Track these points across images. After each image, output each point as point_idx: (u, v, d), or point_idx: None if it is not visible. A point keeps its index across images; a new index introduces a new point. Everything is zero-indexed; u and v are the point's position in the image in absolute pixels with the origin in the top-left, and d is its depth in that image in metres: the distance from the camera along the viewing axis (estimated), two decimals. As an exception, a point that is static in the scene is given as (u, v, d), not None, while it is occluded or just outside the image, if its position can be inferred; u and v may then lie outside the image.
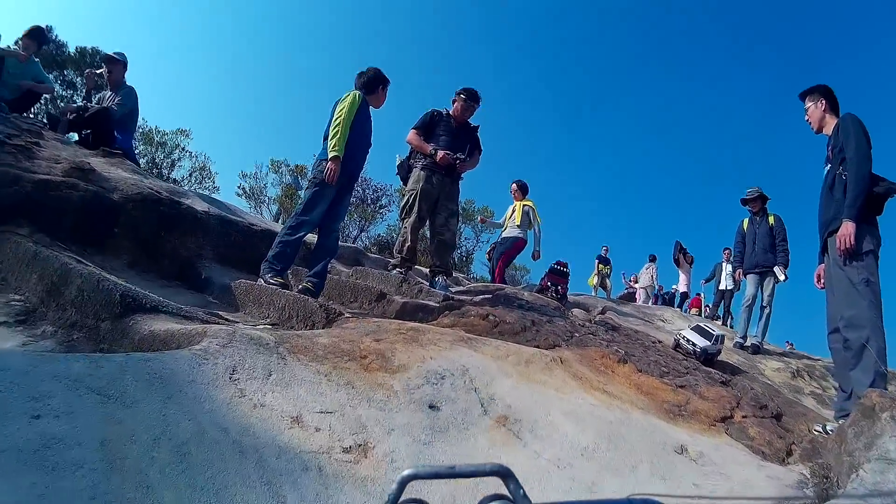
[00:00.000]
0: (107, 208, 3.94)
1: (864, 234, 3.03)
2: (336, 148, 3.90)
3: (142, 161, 13.16)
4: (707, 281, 11.78)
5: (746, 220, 6.32)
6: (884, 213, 3.17)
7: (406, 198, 5.03)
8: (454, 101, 5.12)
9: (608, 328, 4.87)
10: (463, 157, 4.94)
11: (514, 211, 7.47)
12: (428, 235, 5.48)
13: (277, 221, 10.90)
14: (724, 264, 10.50)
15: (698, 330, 4.82)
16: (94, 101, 6.08)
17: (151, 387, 1.63)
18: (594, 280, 12.60)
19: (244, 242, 4.89)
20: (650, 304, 11.32)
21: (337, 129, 3.93)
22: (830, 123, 3.35)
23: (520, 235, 7.30)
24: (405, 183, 5.21)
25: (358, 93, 4.15)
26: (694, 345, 4.61)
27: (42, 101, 10.77)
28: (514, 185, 7.65)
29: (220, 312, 3.30)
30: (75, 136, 5.67)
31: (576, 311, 5.56)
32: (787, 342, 10.41)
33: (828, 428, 3.08)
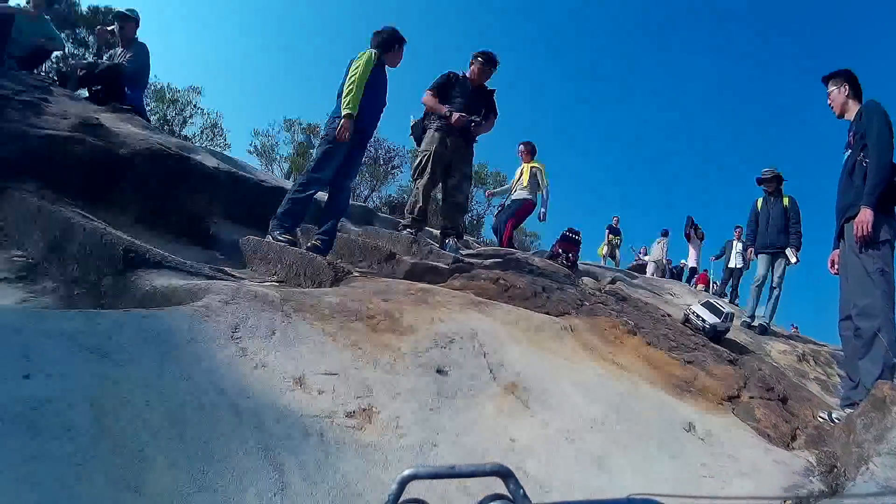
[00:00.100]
0: (114, 163, 3.91)
1: (882, 223, 2.97)
2: (349, 105, 3.83)
3: (153, 118, 13.14)
4: (717, 258, 11.64)
5: (761, 200, 6.22)
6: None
7: (419, 158, 4.97)
8: (471, 64, 5.01)
9: (618, 298, 4.80)
10: (478, 119, 4.87)
11: (521, 173, 7.32)
12: (440, 197, 5.42)
13: (289, 179, 10.81)
14: (734, 242, 10.33)
15: (708, 306, 4.75)
16: (105, 59, 6.04)
17: (148, 345, 1.57)
18: (604, 250, 12.51)
19: (254, 199, 4.85)
20: (657, 277, 11.23)
21: (351, 86, 3.86)
22: (853, 109, 3.29)
23: (528, 197, 7.16)
24: (419, 144, 5.13)
25: (374, 51, 4.06)
26: (703, 321, 4.54)
27: (53, 60, 10.66)
28: (522, 146, 7.47)
29: (226, 269, 3.26)
30: (86, 93, 5.64)
31: (586, 279, 5.50)
32: (793, 325, 10.36)
33: (833, 416, 3.04)
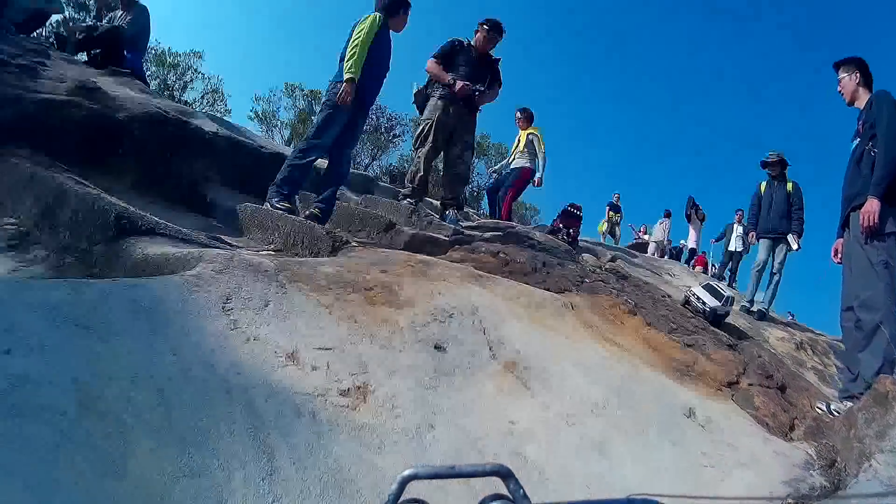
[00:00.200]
0: (111, 128, 3.85)
1: (889, 215, 2.94)
2: (352, 69, 3.73)
3: (153, 83, 12.96)
4: (717, 240, 11.61)
5: (764, 184, 6.15)
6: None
7: (421, 127, 4.87)
8: (476, 32, 4.91)
9: (618, 277, 4.74)
10: (482, 88, 4.78)
11: (519, 140, 7.20)
12: (441, 167, 5.34)
13: (289, 146, 10.65)
14: (735, 225, 10.30)
15: (709, 289, 4.70)
16: (104, 22, 5.90)
17: (136, 317, 1.48)
18: (603, 227, 12.43)
19: (253, 165, 4.78)
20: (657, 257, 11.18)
21: (354, 50, 3.75)
22: (863, 98, 3.26)
23: (526, 165, 7.03)
24: (421, 112, 5.04)
25: (378, 15, 3.93)
26: (704, 303, 4.50)
27: (52, 24, 10.42)
28: (519, 112, 7.31)
29: (222, 237, 3.20)
30: (84, 57, 5.54)
31: (586, 255, 5.42)
32: (789, 312, 10.35)
33: (832, 407, 3.03)
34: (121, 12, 5.81)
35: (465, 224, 5.22)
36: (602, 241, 10.35)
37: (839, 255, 3.29)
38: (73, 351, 1.27)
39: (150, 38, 6.55)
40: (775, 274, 5.94)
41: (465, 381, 1.94)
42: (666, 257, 11.07)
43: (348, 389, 1.60)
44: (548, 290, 3.39)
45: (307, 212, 3.81)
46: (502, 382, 2.01)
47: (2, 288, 1.45)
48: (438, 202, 5.49)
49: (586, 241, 6.92)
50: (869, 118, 3.12)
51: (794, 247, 5.79)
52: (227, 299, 1.75)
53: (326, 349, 1.73)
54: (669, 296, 4.86)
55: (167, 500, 1.04)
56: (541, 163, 7.03)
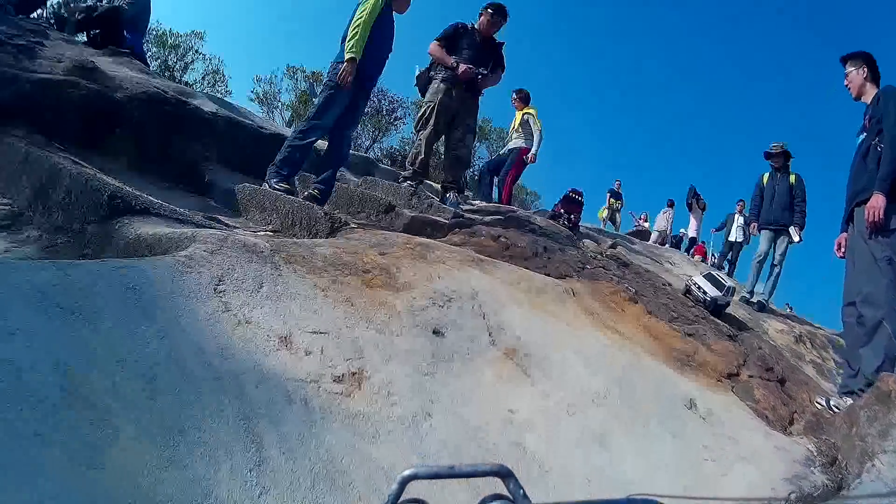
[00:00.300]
0: (109, 108, 3.85)
1: (893, 211, 2.93)
2: (353, 49, 3.66)
3: (154, 64, 12.85)
4: (717, 230, 11.60)
5: (766, 175, 6.12)
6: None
7: (423, 109, 4.83)
8: (481, 16, 4.85)
9: (619, 264, 4.70)
10: (485, 72, 4.74)
11: (515, 121, 7.14)
12: (442, 151, 5.31)
13: (290, 127, 10.55)
14: (736, 216, 10.29)
15: (710, 278, 4.67)
16: (105, 2, 5.93)
17: (124, 299, 1.41)
18: (604, 213, 12.39)
19: (252, 146, 4.75)
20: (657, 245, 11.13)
21: (356, 29, 3.68)
22: (870, 93, 3.26)
23: (522, 145, 6.95)
24: (423, 95, 4.99)
25: None
26: (705, 293, 4.47)
27: (52, 5, 10.29)
28: (514, 93, 7.23)
29: (220, 217, 3.16)
30: (84, 37, 5.58)
31: (587, 241, 5.37)
32: (787, 304, 10.32)
33: (831, 403, 3.02)
34: None
35: (465, 207, 5.17)
36: (602, 227, 10.31)
37: (843, 250, 3.28)
38: (56, 334, 1.21)
39: (151, 19, 6.46)
40: (776, 266, 5.93)
41: (464, 368, 1.88)
42: (667, 245, 11.03)
43: (343, 375, 1.54)
44: (548, 275, 3.35)
45: (306, 193, 3.77)
46: (502, 369, 1.96)
47: (-14, 270, 1.38)
48: (439, 185, 5.44)
49: (587, 227, 6.87)
50: (876, 113, 3.11)
51: (796, 239, 5.77)
52: (220, 281, 1.69)
53: (321, 333, 1.67)
54: (670, 284, 4.83)
55: (149, 492, 0.98)
56: (536, 139, 6.94)
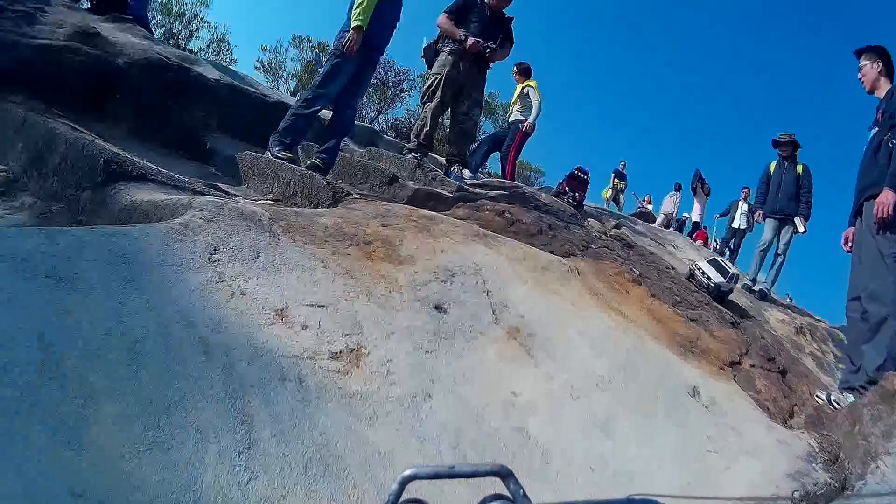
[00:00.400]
0: (110, 74, 3.81)
1: None
2: (359, 17, 3.56)
3: (158, 31, 12.54)
4: (721, 216, 11.52)
5: (774, 164, 6.07)
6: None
7: (430, 81, 4.75)
8: None
9: (624, 245, 4.65)
10: (493, 46, 4.66)
11: (515, 95, 7.06)
12: (448, 123, 5.23)
13: (294, 97, 10.42)
14: (740, 203, 10.21)
15: (714, 264, 4.62)
16: None
17: (112, 268, 1.34)
18: (608, 194, 12.27)
19: (255, 114, 4.71)
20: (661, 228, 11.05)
21: None
22: (884, 87, 3.26)
23: (522, 118, 6.87)
24: (430, 67, 4.92)
25: None
26: (709, 278, 4.43)
27: None
28: (515, 68, 7.12)
29: (220, 185, 3.11)
30: (87, 3, 5.35)
31: (591, 220, 5.31)
32: (787, 295, 10.30)
33: (832, 397, 3.01)
34: None
35: (469, 181, 5.09)
36: (606, 207, 10.22)
37: (849, 244, 3.26)
38: (40, 304, 1.15)
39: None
40: (780, 255, 5.92)
41: (466, 346, 1.82)
42: (671, 228, 10.96)
43: (340, 352, 1.47)
44: (553, 252, 3.29)
45: (309, 162, 3.71)
46: (505, 349, 1.90)
47: (-29, 239, 1.30)
48: (444, 158, 5.36)
49: (590, 207, 6.79)
50: (889, 108, 3.09)
51: (801, 229, 5.75)
52: (215, 250, 1.61)
53: (319, 306, 1.60)
54: (673, 268, 4.78)
55: (130, 475, 0.92)
56: (535, 109, 6.84)
